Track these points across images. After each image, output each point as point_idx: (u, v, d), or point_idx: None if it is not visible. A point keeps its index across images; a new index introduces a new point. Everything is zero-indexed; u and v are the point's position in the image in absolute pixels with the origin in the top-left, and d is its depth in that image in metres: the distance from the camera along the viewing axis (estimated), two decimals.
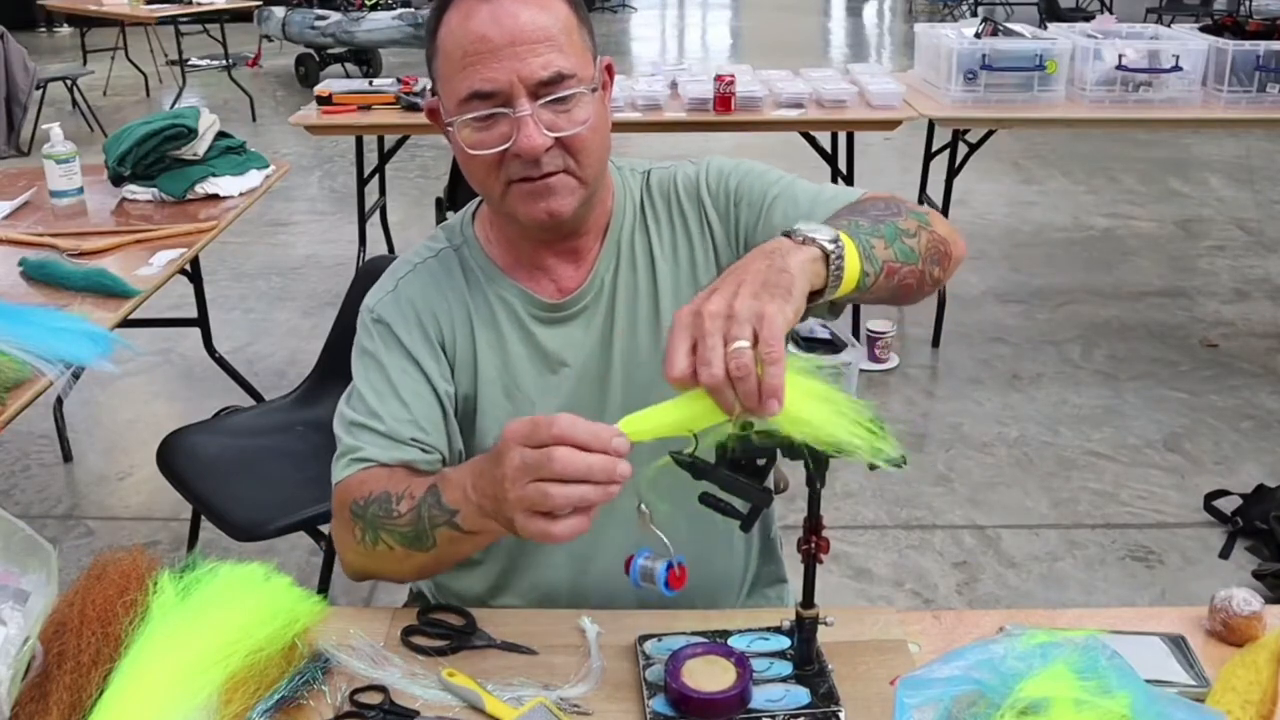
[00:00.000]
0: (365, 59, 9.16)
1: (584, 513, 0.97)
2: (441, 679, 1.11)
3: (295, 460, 2.34)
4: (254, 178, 3.02)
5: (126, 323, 2.27)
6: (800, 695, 1.07)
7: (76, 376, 3.10)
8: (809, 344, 2.13)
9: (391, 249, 4.81)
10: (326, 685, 1.10)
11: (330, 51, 9.08)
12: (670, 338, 0.95)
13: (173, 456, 2.34)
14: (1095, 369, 3.94)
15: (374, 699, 1.08)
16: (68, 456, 3.40)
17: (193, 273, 3.19)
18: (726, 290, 0.96)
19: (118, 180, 2.93)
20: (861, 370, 3.80)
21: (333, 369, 2.49)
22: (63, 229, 2.68)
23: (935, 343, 4.12)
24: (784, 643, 1.14)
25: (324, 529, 2.20)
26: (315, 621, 1.13)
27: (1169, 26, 5.55)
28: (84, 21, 9.53)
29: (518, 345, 1.31)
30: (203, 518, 2.51)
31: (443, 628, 1.20)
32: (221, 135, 3.04)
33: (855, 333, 4.01)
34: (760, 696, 1.06)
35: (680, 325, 0.95)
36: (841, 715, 1.05)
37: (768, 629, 1.16)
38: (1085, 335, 4.20)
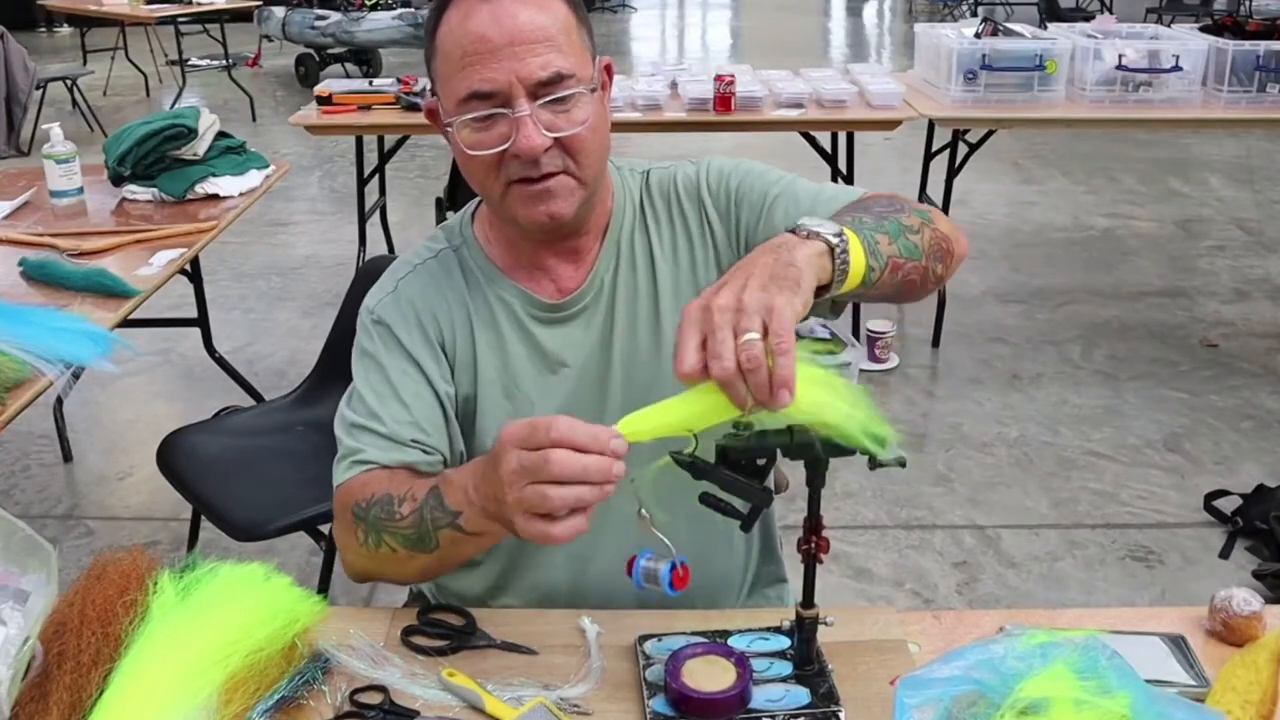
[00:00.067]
0: (365, 59, 9.16)
1: (582, 512, 0.98)
2: (441, 679, 1.11)
3: (295, 460, 2.34)
4: (254, 178, 3.02)
5: (126, 323, 2.27)
6: (800, 695, 1.07)
7: (76, 376, 3.10)
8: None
9: (391, 249, 4.80)
10: (326, 685, 1.10)
11: (330, 51, 9.08)
12: (679, 333, 0.95)
13: (173, 456, 2.34)
14: (1095, 369, 3.94)
15: (374, 699, 1.08)
16: (68, 456, 3.40)
17: (193, 273, 3.19)
18: (734, 284, 0.96)
19: (118, 180, 2.93)
20: (861, 370, 3.80)
21: (333, 369, 2.49)
22: (63, 229, 2.68)
23: (935, 343, 4.12)
24: (784, 643, 1.14)
25: (324, 529, 2.20)
26: (315, 621, 1.13)
27: (1169, 26, 5.55)
28: (84, 21, 9.53)
29: (517, 346, 1.31)
30: (203, 518, 2.51)
31: (443, 628, 1.20)
32: (221, 135, 3.03)
33: (855, 333, 4.02)
34: (760, 696, 1.06)
35: (689, 320, 0.95)
36: (841, 715, 1.05)
37: (768, 629, 1.16)
38: (1085, 335, 4.20)
